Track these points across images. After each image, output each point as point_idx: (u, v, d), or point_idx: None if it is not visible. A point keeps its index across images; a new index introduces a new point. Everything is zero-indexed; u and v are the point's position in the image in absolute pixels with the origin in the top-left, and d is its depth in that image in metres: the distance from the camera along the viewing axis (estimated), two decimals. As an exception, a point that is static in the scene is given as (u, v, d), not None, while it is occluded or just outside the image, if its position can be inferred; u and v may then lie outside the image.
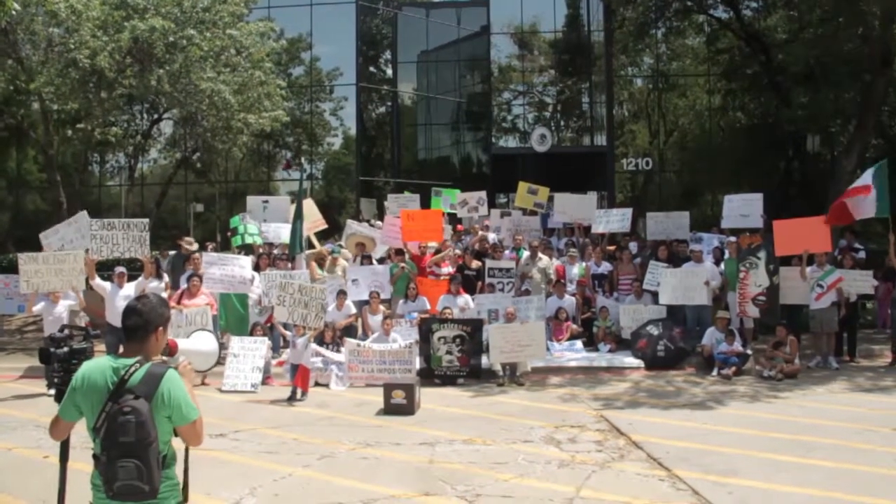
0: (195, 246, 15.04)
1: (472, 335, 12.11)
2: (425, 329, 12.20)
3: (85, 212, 13.99)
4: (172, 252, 15.89)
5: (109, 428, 3.21)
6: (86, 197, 22.15)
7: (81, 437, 3.49)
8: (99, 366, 3.40)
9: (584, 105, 34.86)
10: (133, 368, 3.32)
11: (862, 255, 14.73)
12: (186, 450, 3.63)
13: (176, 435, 3.44)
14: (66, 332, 3.93)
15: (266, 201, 17.29)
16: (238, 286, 13.33)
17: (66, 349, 3.75)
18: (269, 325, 13.30)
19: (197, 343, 3.90)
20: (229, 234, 16.64)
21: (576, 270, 14.80)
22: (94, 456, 3.34)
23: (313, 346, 11.67)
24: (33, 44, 18.33)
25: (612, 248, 15.93)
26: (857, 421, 9.02)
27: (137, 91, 17.72)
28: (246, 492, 6.69)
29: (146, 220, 12.98)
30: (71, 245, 13.32)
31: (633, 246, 15.95)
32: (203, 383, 11.87)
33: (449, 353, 11.95)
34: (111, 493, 3.23)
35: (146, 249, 12.69)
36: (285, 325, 12.35)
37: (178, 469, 3.53)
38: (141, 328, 3.46)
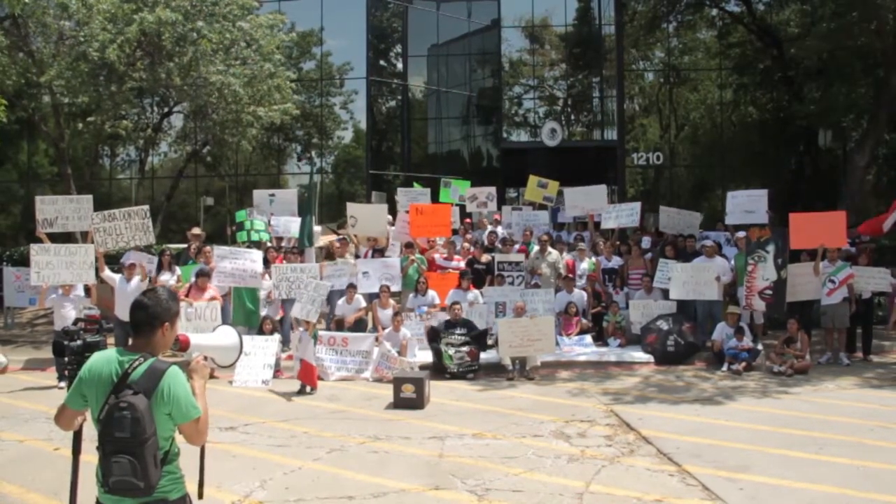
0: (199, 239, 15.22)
1: (478, 340, 12.13)
2: (432, 336, 12.17)
3: (90, 196, 14.02)
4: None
5: (106, 422, 3.21)
6: (96, 190, 22.17)
7: (93, 431, 3.50)
8: (107, 357, 3.40)
9: (594, 99, 34.72)
10: (137, 363, 3.31)
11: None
12: (202, 449, 3.63)
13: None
14: (80, 325, 3.93)
15: (272, 194, 17.27)
16: (249, 280, 13.35)
17: (79, 342, 3.75)
18: (279, 319, 13.33)
19: (218, 338, 3.87)
20: (234, 228, 16.65)
21: (585, 265, 14.77)
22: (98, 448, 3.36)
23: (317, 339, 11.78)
24: (45, 36, 18.39)
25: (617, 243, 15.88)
26: (869, 417, 8.98)
27: (147, 84, 17.76)
28: (256, 485, 6.70)
29: (146, 207, 13.03)
30: (66, 222, 13.33)
31: (645, 241, 15.91)
32: (212, 376, 11.93)
33: (458, 351, 11.91)
34: (107, 488, 3.25)
35: (151, 236, 12.75)
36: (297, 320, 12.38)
37: (183, 463, 3.52)
38: (146, 323, 3.44)
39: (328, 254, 14.97)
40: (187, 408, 3.34)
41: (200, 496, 3.65)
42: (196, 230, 15.70)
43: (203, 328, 11.87)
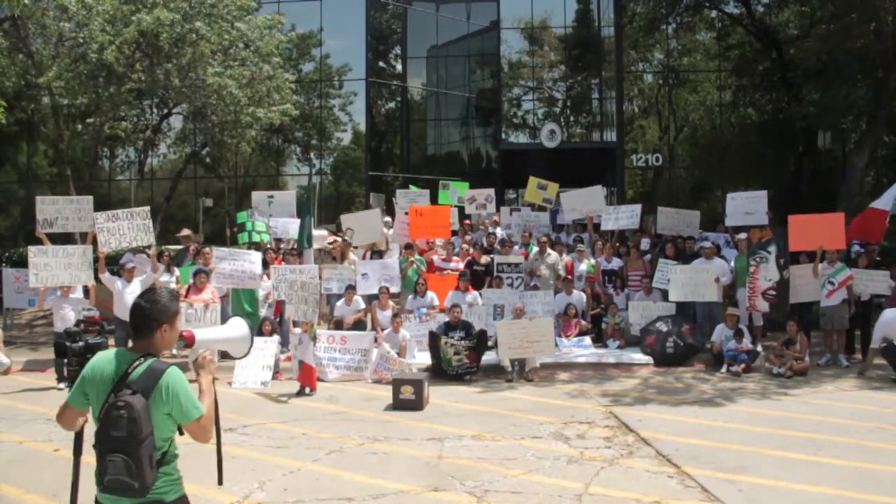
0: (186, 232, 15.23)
1: (478, 345, 12.09)
2: (433, 342, 12.13)
3: (90, 196, 14.05)
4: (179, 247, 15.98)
5: (104, 421, 3.23)
6: (96, 191, 22.16)
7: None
8: (109, 357, 3.42)
9: (594, 101, 34.76)
10: (137, 363, 3.33)
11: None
12: (218, 437, 3.66)
13: (181, 433, 3.44)
14: (82, 326, 3.93)
15: (271, 196, 17.26)
16: (248, 281, 13.35)
17: (81, 343, 3.75)
18: (277, 318, 13.32)
19: (229, 330, 3.89)
20: (235, 229, 16.64)
21: (583, 267, 14.77)
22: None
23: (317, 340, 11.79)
24: (44, 38, 18.39)
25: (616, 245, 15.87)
26: (868, 419, 8.98)
27: (146, 85, 17.75)
28: (255, 486, 6.70)
29: (147, 208, 13.09)
30: (66, 222, 13.36)
31: (645, 242, 15.90)
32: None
33: (457, 353, 11.87)
34: (102, 487, 3.27)
35: (151, 237, 12.80)
36: (294, 322, 12.37)
37: (185, 464, 3.53)
38: (145, 325, 3.45)
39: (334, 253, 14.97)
40: (188, 407, 3.35)
41: (220, 482, 3.75)
42: (186, 231, 15.67)
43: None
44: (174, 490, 3.42)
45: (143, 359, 3.35)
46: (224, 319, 12.57)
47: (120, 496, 3.27)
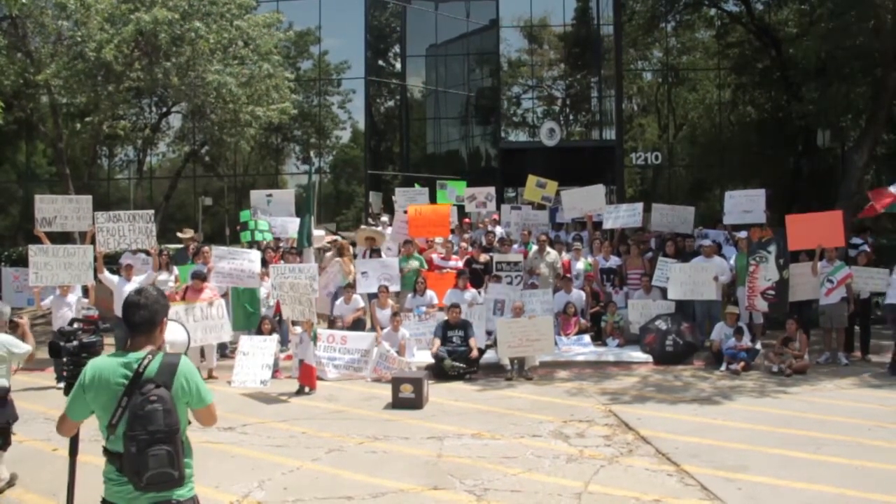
0: (189, 234, 15.21)
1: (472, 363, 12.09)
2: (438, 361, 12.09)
3: (90, 196, 14.04)
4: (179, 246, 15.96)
5: (134, 419, 3.21)
6: (95, 190, 22.15)
7: (91, 431, 3.49)
8: (108, 364, 3.39)
9: (593, 99, 34.73)
10: (147, 360, 3.34)
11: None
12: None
13: (189, 422, 3.48)
14: (76, 325, 3.92)
15: (269, 195, 17.24)
16: (247, 280, 13.33)
17: (75, 343, 3.75)
18: (276, 317, 13.30)
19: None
20: (238, 228, 16.62)
21: (580, 265, 14.75)
22: (108, 452, 3.34)
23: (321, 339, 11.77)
24: (43, 37, 18.37)
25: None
26: (867, 417, 8.98)
27: (145, 84, 17.74)
28: (255, 485, 6.70)
29: (151, 212, 13.09)
30: (65, 221, 13.35)
31: (652, 242, 15.86)
32: (211, 377, 11.97)
33: (457, 360, 11.85)
34: (142, 485, 3.21)
35: (153, 240, 12.80)
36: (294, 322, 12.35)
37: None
38: (148, 321, 3.47)
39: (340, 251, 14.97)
40: (205, 393, 3.48)
41: None
42: (189, 233, 15.66)
43: (212, 327, 11.92)
44: (191, 487, 3.46)
45: (151, 355, 3.37)
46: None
47: (163, 490, 3.27)
